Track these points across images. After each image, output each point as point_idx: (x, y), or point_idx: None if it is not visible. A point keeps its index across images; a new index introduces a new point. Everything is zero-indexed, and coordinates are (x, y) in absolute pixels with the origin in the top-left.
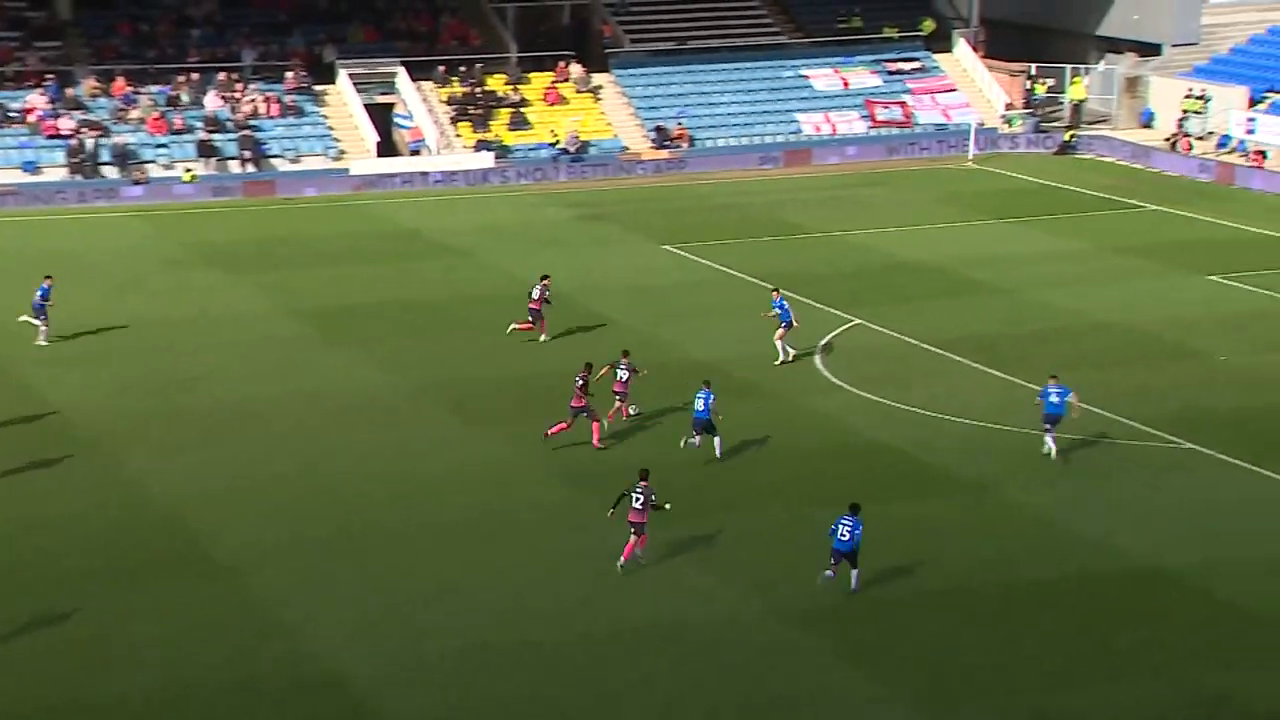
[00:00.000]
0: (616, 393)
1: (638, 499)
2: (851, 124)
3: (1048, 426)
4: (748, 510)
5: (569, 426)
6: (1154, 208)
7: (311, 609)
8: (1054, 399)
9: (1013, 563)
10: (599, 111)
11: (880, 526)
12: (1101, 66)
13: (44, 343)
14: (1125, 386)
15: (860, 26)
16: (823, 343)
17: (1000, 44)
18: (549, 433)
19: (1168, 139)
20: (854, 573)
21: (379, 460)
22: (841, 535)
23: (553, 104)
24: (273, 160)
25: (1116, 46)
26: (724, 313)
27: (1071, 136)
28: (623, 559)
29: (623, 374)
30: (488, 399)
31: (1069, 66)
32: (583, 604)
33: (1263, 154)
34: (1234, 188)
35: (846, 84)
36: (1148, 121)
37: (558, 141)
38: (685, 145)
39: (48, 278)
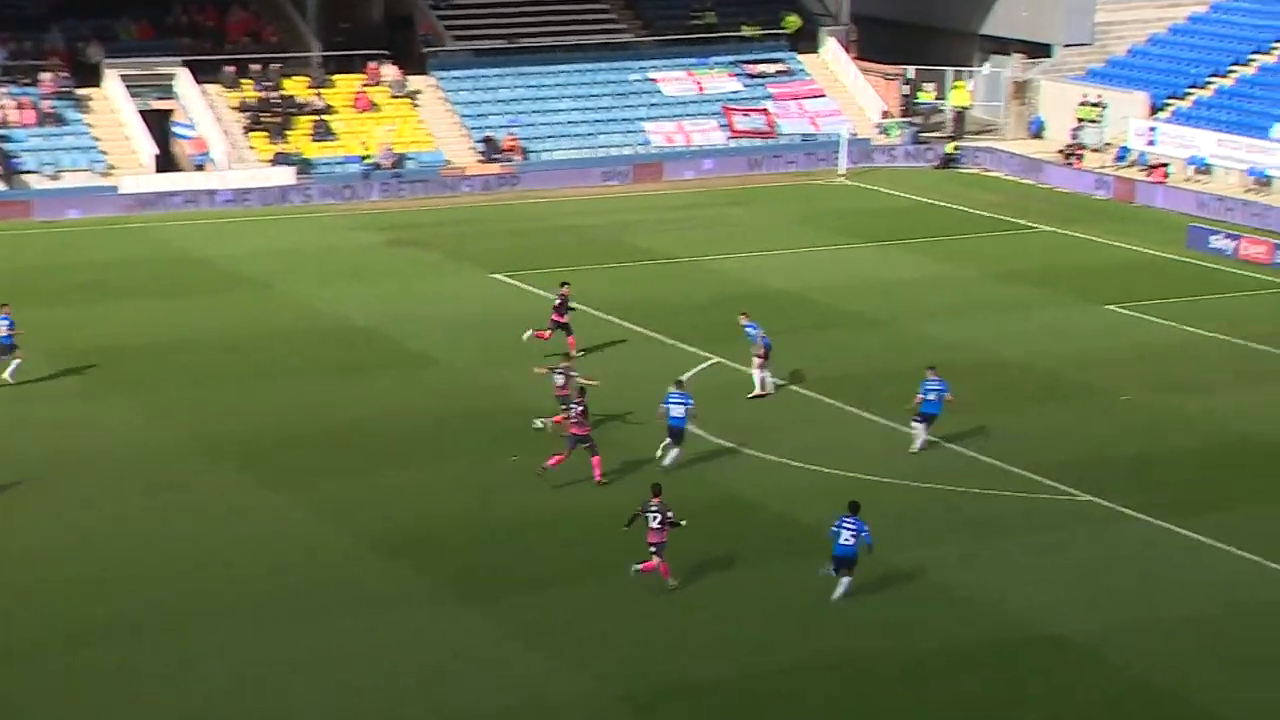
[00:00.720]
0: (560, 399)
1: (654, 518)
2: (707, 134)
3: (918, 421)
4: (594, 581)
5: (566, 458)
6: (1047, 229)
7: (78, 714)
8: (931, 397)
9: (897, 633)
10: (417, 120)
11: (749, 596)
12: (986, 69)
13: (9, 380)
14: (1018, 431)
15: (715, 23)
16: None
17: (874, 44)
18: (547, 465)
19: (1061, 151)
20: (845, 581)
21: (155, 533)
22: (845, 540)
23: (363, 111)
24: (27, 177)
25: (1003, 47)
26: (567, 351)
27: (954, 148)
28: (668, 579)
29: (559, 379)
30: (287, 455)
31: (950, 69)
32: (404, 694)
33: (1165, 168)
34: (1134, 206)
35: (701, 88)
36: (1038, 131)
37: (369, 155)
38: (518, 159)
39: (3, 305)
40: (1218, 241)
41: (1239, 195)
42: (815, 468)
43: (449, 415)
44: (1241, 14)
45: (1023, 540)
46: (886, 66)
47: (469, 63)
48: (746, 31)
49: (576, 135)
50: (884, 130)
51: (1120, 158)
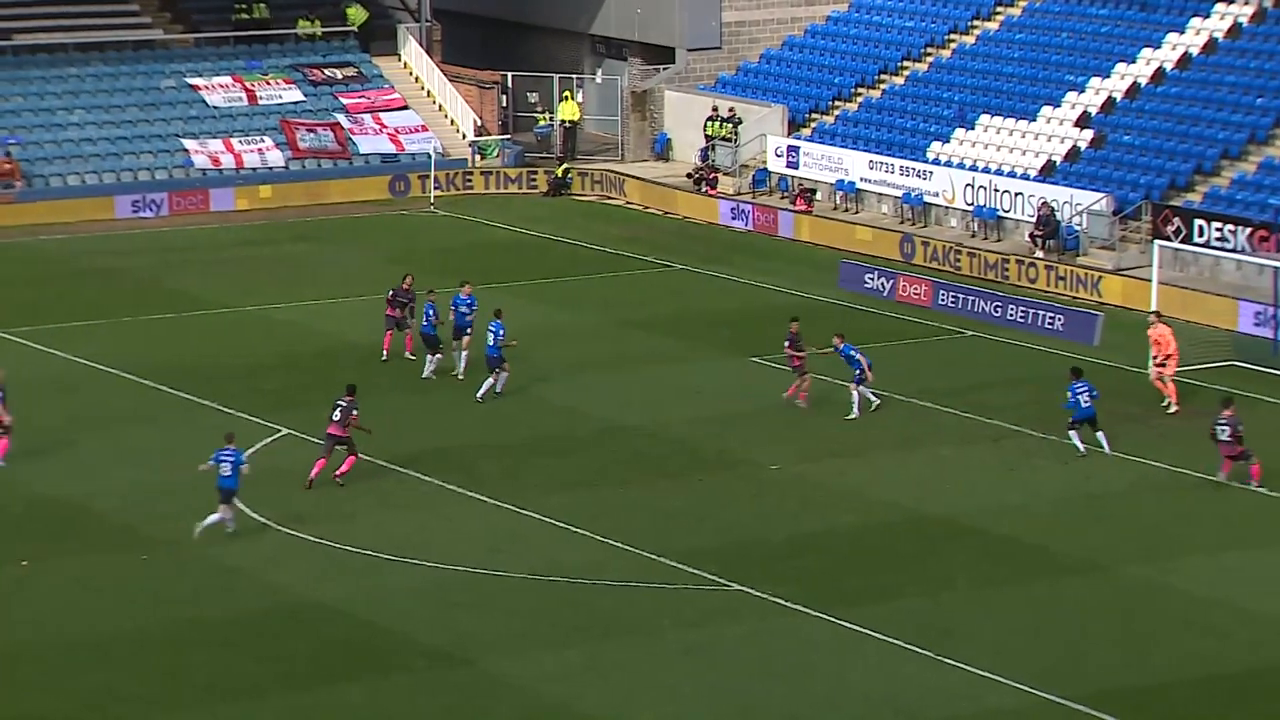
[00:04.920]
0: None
1: (1224, 430)
2: (264, 154)
3: (857, 384)
4: None
5: (326, 462)
6: (680, 267)
7: None
8: (857, 356)
9: None
10: None
11: None
12: (599, 77)
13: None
14: (652, 511)
15: (267, 18)
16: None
17: (464, 45)
18: (310, 479)
19: (690, 174)
20: (1102, 435)
21: None
22: (1084, 402)
23: None
24: None
25: (619, 50)
26: (92, 427)
27: (565, 171)
28: (1256, 480)
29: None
30: None
31: (557, 76)
32: None
33: (810, 194)
34: (777, 239)
35: (254, 98)
36: (663, 151)
37: None
38: (18, 184)
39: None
40: (872, 280)
41: (895, 226)
42: (404, 559)
43: None
44: (887, 13)
45: (659, 641)
46: (480, 73)
47: None
48: (304, 28)
49: (95, 156)
50: (480, 150)
51: (758, 183)
